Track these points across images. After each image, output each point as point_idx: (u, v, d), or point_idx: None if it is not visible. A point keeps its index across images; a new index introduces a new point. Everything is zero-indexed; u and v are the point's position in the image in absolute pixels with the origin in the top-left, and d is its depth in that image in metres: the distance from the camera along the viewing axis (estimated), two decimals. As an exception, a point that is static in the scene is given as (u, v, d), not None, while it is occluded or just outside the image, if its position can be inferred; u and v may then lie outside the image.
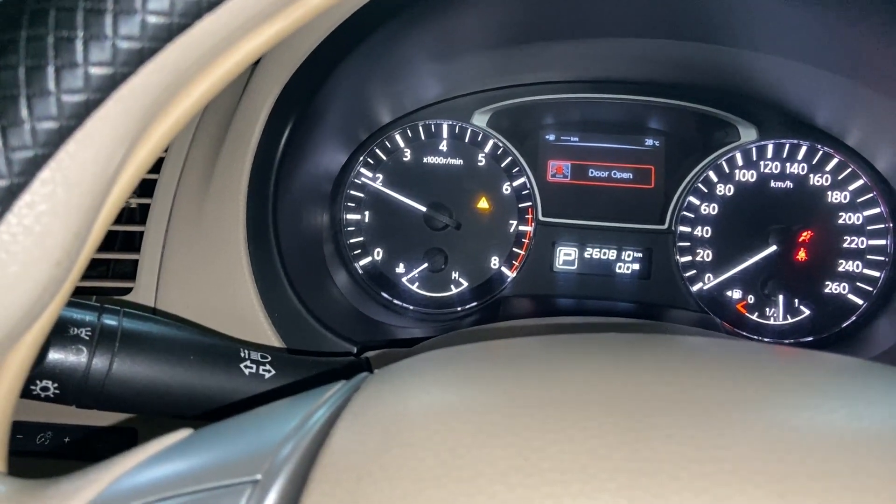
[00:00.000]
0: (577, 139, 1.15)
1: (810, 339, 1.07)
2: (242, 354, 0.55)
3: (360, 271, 1.12)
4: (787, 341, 1.08)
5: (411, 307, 1.12)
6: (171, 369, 0.51)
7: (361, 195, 1.12)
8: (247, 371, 0.54)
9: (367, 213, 1.13)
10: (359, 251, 1.12)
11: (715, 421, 0.30)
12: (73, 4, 0.27)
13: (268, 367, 0.55)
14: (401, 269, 1.12)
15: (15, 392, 0.35)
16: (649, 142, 1.15)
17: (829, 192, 1.07)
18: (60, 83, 0.28)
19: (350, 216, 1.12)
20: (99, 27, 0.28)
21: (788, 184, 1.08)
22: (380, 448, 0.30)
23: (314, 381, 0.57)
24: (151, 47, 0.29)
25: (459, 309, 1.12)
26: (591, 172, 1.14)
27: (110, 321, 0.51)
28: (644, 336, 0.45)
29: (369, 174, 1.12)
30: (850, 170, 1.06)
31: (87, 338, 0.49)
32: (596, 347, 0.43)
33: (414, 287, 1.12)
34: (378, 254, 1.12)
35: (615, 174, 1.14)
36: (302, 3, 0.33)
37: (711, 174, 1.10)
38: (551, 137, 1.15)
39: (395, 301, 1.12)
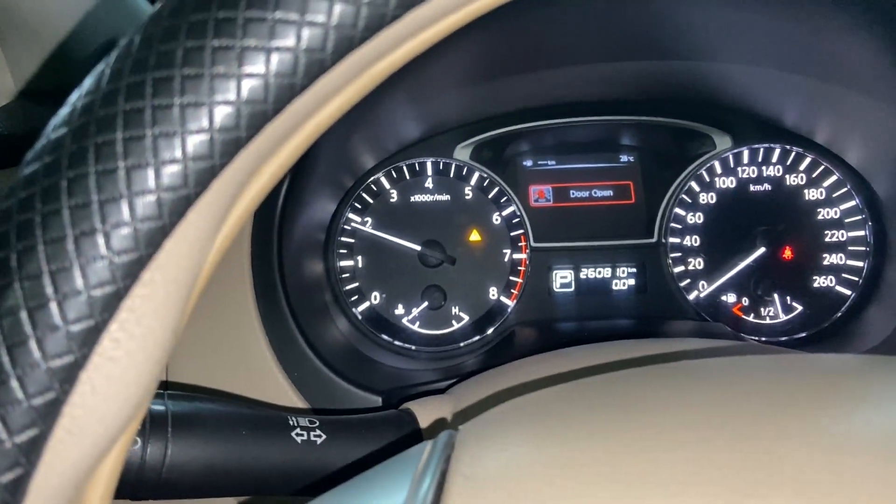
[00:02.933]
0: (553, 163, 1.17)
1: (804, 334, 1.10)
2: (291, 422, 0.54)
3: (360, 317, 1.10)
4: (783, 338, 1.10)
5: (413, 347, 1.11)
6: (226, 448, 0.50)
7: (352, 240, 1.12)
8: (299, 439, 0.53)
9: (359, 257, 1.12)
10: (356, 297, 1.11)
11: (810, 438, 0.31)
12: (170, 101, 0.27)
13: (318, 431, 0.54)
14: (400, 310, 1.11)
15: (108, 499, 0.33)
16: (624, 158, 1.17)
17: (806, 191, 1.11)
18: (160, 181, 0.27)
19: (343, 263, 1.11)
20: (197, 120, 0.27)
21: (767, 186, 1.12)
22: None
23: (365, 442, 0.55)
24: (247, 136, 0.28)
25: (462, 344, 1.11)
26: (572, 193, 1.16)
27: (157, 406, 0.49)
28: (700, 361, 0.47)
29: (358, 219, 1.12)
30: (822, 167, 1.10)
31: (138, 427, 0.47)
32: (664, 376, 0.43)
33: (415, 327, 1.11)
34: (375, 297, 1.11)
35: (595, 193, 1.16)
36: (365, 75, 0.33)
37: (693, 184, 1.13)
38: (528, 163, 1.16)
39: (397, 342, 1.11)
